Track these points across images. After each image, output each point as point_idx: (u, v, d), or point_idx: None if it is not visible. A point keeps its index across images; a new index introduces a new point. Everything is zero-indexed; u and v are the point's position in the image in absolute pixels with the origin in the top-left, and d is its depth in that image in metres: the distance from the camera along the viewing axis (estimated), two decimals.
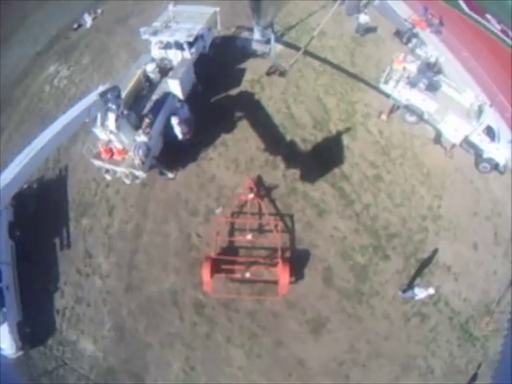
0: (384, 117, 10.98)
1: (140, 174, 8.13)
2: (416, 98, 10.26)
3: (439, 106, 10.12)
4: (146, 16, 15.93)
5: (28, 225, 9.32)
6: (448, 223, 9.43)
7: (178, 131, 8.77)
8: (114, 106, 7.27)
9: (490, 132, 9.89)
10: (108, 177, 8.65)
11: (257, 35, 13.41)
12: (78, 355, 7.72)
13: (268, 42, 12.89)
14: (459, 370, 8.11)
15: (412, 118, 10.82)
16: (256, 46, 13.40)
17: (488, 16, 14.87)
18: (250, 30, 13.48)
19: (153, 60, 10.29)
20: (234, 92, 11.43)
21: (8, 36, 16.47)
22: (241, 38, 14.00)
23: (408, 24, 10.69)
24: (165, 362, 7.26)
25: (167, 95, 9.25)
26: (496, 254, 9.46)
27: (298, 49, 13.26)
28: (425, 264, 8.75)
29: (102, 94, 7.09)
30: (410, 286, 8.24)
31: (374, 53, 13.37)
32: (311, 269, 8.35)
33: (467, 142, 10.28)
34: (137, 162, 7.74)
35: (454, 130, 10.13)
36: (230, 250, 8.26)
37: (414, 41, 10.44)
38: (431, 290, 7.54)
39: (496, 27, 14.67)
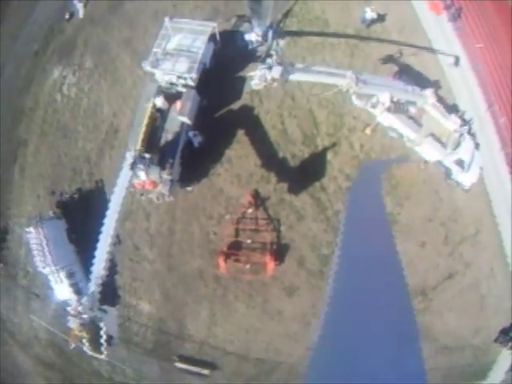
0: (368, 131, 13.67)
1: (168, 198, 12.67)
2: (398, 124, 12.67)
3: (419, 134, 12.51)
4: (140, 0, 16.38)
5: (80, 229, 13.56)
6: (403, 226, 13.38)
7: (195, 141, 12.89)
8: (142, 166, 10.99)
9: (460, 163, 12.40)
10: (143, 198, 13.19)
11: (256, 35, 14.81)
12: (138, 313, 13.63)
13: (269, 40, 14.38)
14: None
15: (394, 134, 13.36)
16: (256, 46, 14.85)
17: None
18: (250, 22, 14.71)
19: (160, 92, 12.98)
20: (235, 106, 14.37)
21: None
22: (240, 35, 15.12)
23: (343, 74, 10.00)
24: (196, 312, 13.49)
25: (179, 134, 12.68)
26: (442, 253, 13.55)
27: (299, 47, 14.92)
28: None
29: (132, 166, 10.44)
30: None
31: (376, 51, 14.73)
32: (290, 256, 13.45)
33: (439, 162, 12.95)
34: (165, 192, 12.25)
35: (429, 153, 12.79)
36: (236, 245, 13.25)
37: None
38: None
39: None
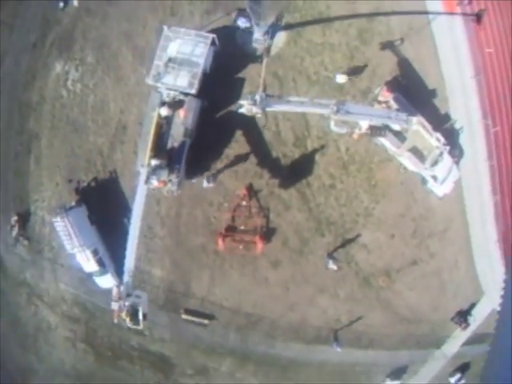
0: (356, 136, 15.28)
1: (176, 193, 15.65)
2: (383, 140, 14.40)
3: (400, 148, 13.99)
4: None
5: (100, 213, 16.47)
6: (376, 219, 16.00)
7: None
8: (155, 177, 13.52)
9: (435, 178, 14.24)
10: (153, 190, 15.59)
11: (256, 34, 15.77)
12: (151, 277, 17.25)
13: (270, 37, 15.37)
14: (357, 300, 16.83)
15: (379, 142, 15.08)
16: (256, 44, 15.85)
17: None
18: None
19: (164, 103, 14.39)
20: (234, 108, 15.52)
21: None
22: (240, 32, 16.02)
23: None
24: (199, 276, 17.43)
25: (184, 141, 14.73)
26: (409, 244, 16.19)
27: (299, 47, 15.99)
28: (348, 241, 16.38)
29: (147, 181, 12.95)
30: (333, 252, 16.12)
31: (377, 54, 15.54)
32: (276, 237, 16.69)
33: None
34: (174, 189, 15.15)
35: (408, 164, 14.70)
36: (233, 228, 16.49)
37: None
38: (335, 267, 15.29)
39: None
